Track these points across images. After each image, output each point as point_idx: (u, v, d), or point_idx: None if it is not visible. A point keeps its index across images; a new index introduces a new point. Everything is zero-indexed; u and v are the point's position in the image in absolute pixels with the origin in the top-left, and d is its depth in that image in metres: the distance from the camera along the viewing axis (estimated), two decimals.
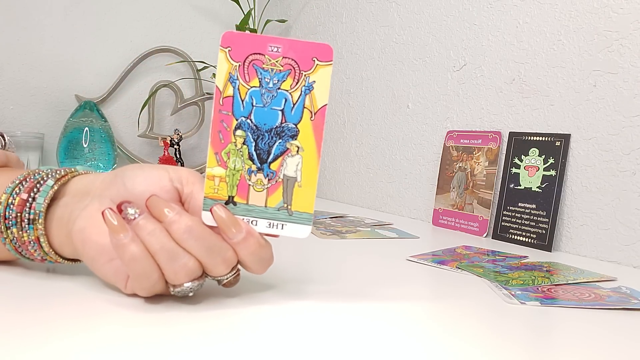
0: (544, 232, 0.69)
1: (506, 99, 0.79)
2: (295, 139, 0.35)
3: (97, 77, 1.32)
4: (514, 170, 0.76)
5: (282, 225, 0.36)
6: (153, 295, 0.35)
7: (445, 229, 0.85)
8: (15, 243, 0.37)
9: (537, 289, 0.47)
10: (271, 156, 0.36)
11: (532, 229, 0.71)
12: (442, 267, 0.54)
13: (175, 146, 1.32)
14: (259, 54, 0.35)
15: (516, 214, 0.74)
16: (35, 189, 0.37)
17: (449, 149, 0.87)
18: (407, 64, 0.98)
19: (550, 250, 0.68)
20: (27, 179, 0.38)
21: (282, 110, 0.35)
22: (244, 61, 0.35)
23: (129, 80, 1.35)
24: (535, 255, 0.64)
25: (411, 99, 0.97)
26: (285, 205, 0.36)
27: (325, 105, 0.35)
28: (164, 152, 1.32)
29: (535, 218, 0.71)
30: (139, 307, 0.34)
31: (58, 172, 0.39)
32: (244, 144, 0.35)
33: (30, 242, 0.37)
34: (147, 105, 1.32)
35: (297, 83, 0.35)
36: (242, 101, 0.35)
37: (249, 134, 0.35)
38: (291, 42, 0.35)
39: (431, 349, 0.31)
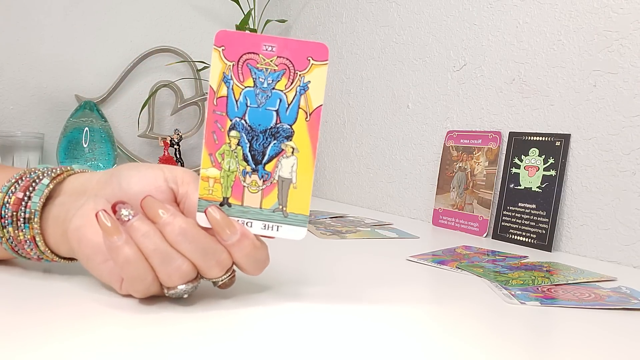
0: (544, 232, 0.69)
1: (506, 99, 0.79)
2: (290, 140, 0.35)
3: (97, 77, 1.32)
4: (514, 170, 0.76)
5: (277, 226, 0.35)
6: (148, 296, 0.35)
7: (445, 229, 0.84)
8: (12, 242, 0.37)
9: (537, 289, 0.47)
10: (266, 157, 0.35)
11: (532, 229, 0.71)
12: (442, 267, 0.54)
13: (175, 146, 1.32)
14: (254, 53, 0.34)
15: (516, 214, 0.74)
16: (31, 188, 0.37)
17: (449, 149, 0.87)
18: (407, 64, 0.98)
19: (550, 250, 0.68)
20: (23, 178, 0.38)
21: (276, 111, 0.35)
22: (238, 60, 0.35)
23: (129, 80, 1.35)
24: (535, 255, 0.64)
25: (411, 99, 0.97)
26: (281, 206, 0.35)
27: (321, 105, 0.35)
28: (164, 152, 1.32)
29: (535, 218, 0.71)
30: (134, 308, 0.34)
31: (54, 170, 0.38)
32: (238, 145, 0.35)
33: (26, 241, 0.37)
34: (147, 105, 1.32)
35: (292, 83, 0.35)
36: (236, 101, 0.35)
37: (244, 134, 0.35)
38: (286, 41, 0.34)
39: (431, 349, 0.31)
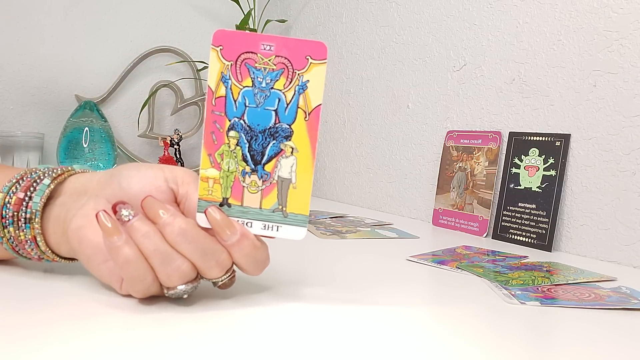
0: (544, 232, 0.69)
1: (506, 99, 0.79)
2: (290, 140, 0.35)
3: (97, 77, 1.32)
4: (514, 170, 0.76)
5: (277, 227, 0.35)
6: (148, 296, 0.35)
7: (445, 229, 0.84)
8: (12, 242, 0.37)
9: (537, 289, 0.47)
10: (265, 157, 0.35)
11: (532, 229, 0.71)
12: (442, 267, 0.54)
13: (175, 146, 1.32)
14: (252, 52, 0.34)
15: (516, 214, 0.74)
16: (31, 188, 0.37)
17: (449, 149, 0.87)
18: (407, 64, 0.98)
19: (550, 250, 0.68)
20: (24, 178, 0.38)
21: (275, 111, 0.35)
22: (236, 60, 0.34)
23: (129, 80, 1.35)
24: (535, 255, 0.64)
25: (411, 99, 0.97)
26: (280, 206, 0.35)
27: (320, 105, 0.35)
28: (164, 152, 1.32)
29: (535, 218, 0.71)
30: (134, 308, 0.34)
31: (55, 170, 0.39)
32: (237, 145, 0.35)
33: (27, 241, 0.37)
34: (147, 105, 1.32)
35: (290, 82, 0.34)
36: (235, 101, 0.35)
37: (243, 135, 0.35)
38: (284, 40, 0.34)
39: (431, 350, 0.31)
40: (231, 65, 0.34)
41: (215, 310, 0.35)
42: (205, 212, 0.34)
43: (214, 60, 0.34)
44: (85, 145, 1.19)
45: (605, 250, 0.64)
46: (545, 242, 0.69)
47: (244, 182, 0.35)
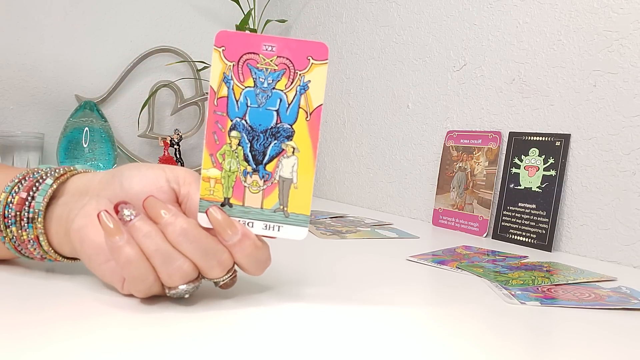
0: (544, 232, 0.69)
1: (506, 99, 0.79)
2: (291, 140, 0.35)
3: (97, 77, 1.32)
4: (514, 170, 0.76)
5: (279, 227, 0.35)
6: (150, 296, 0.35)
7: (445, 229, 0.84)
8: (15, 242, 0.37)
9: (537, 289, 0.47)
10: (267, 157, 0.35)
11: (532, 229, 0.71)
12: (442, 267, 0.54)
13: (175, 146, 1.32)
14: (254, 53, 0.34)
15: (516, 214, 0.74)
16: (34, 188, 0.37)
17: (449, 149, 0.87)
18: (407, 64, 0.98)
19: (550, 250, 0.68)
20: (26, 178, 0.38)
21: (277, 111, 0.35)
22: (238, 61, 0.34)
23: (129, 80, 1.35)
24: (535, 255, 0.64)
25: (411, 99, 0.97)
26: (282, 206, 0.35)
27: (321, 105, 0.35)
28: (164, 152, 1.32)
29: (535, 218, 0.71)
30: (135, 307, 0.34)
31: (57, 170, 0.39)
32: (239, 145, 0.35)
33: (29, 240, 0.37)
34: (147, 105, 1.32)
35: (292, 83, 0.35)
36: (237, 101, 0.35)
37: (244, 135, 0.35)
38: (286, 40, 0.34)
39: (431, 350, 0.31)
40: (233, 65, 0.35)
41: (217, 310, 0.35)
42: (206, 212, 0.34)
43: (216, 61, 0.35)
44: (85, 145, 1.19)
45: (605, 250, 0.65)
46: (545, 242, 0.69)
47: (245, 182, 0.35)
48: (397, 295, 0.43)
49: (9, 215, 0.36)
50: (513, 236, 0.73)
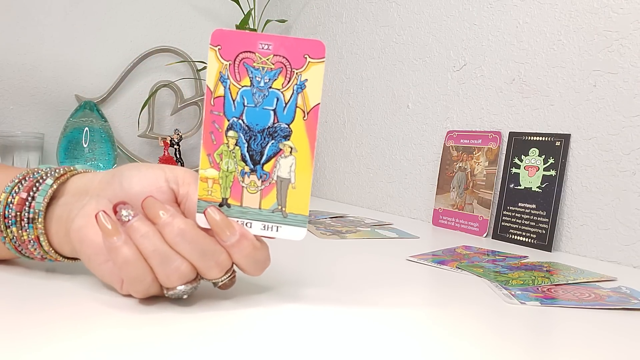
0: (544, 232, 0.69)
1: (506, 99, 0.79)
2: (288, 140, 0.35)
3: (97, 77, 1.32)
4: (514, 170, 0.76)
5: (277, 227, 0.35)
6: (148, 297, 0.35)
7: (445, 229, 0.84)
8: (15, 242, 0.37)
9: (537, 289, 0.47)
10: (264, 157, 0.35)
11: (532, 229, 0.71)
12: (442, 267, 0.54)
13: (175, 146, 1.32)
14: (250, 52, 0.34)
15: (516, 214, 0.74)
16: (34, 188, 0.37)
17: (449, 149, 0.87)
18: (407, 64, 0.98)
19: (550, 250, 0.68)
20: (26, 178, 0.38)
21: (274, 110, 0.34)
22: (235, 60, 0.34)
23: (129, 80, 1.35)
24: (535, 255, 0.64)
25: (411, 99, 0.97)
26: (280, 207, 0.35)
27: (318, 104, 0.34)
28: (164, 152, 1.32)
29: (535, 218, 0.71)
30: (135, 308, 0.34)
31: (57, 170, 0.39)
32: (236, 145, 0.35)
33: (30, 241, 0.37)
34: (147, 105, 1.32)
35: (288, 81, 0.34)
36: (234, 101, 0.34)
37: (241, 134, 0.35)
38: (282, 39, 0.34)
39: (431, 350, 0.31)
40: (229, 64, 0.34)
41: (216, 311, 0.35)
42: (204, 213, 0.34)
43: (212, 60, 0.34)
44: (85, 145, 1.19)
45: (605, 250, 0.65)
46: (545, 242, 0.69)
47: (243, 182, 0.35)
48: (397, 296, 0.42)
49: (9, 216, 0.36)
50: (513, 236, 0.73)
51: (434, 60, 0.92)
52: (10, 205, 0.36)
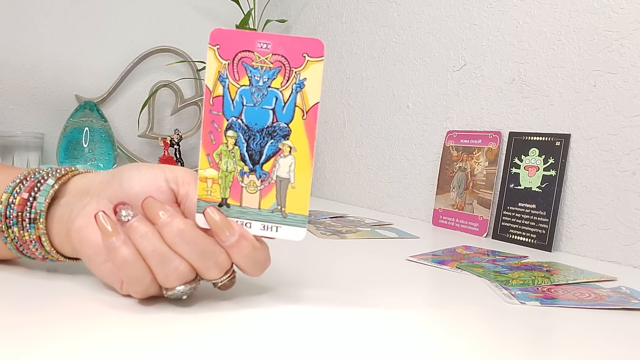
0: (544, 232, 0.69)
1: (506, 99, 0.79)
2: (288, 139, 0.34)
3: (97, 77, 1.32)
4: (514, 170, 0.76)
5: (277, 227, 0.35)
6: (148, 297, 0.35)
7: (445, 229, 0.84)
8: (17, 242, 0.37)
9: (537, 289, 0.47)
10: (263, 157, 0.35)
11: (532, 229, 0.71)
12: (442, 267, 0.54)
13: (175, 146, 1.32)
14: (249, 51, 0.34)
15: (516, 214, 0.74)
16: (35, 188, 0.37)
17: (449, 149, 0.87)
18: (407, 64, 0.98)
19: (550, 250, 0.68)
20: (28, 178, 0.38)
21: (273, 110, 0.34)
22: (233, 59, 0.34)
23: (129, 80, 1.35)
24: (535, 255, 0.64)
25: (411, 99, 0.97)
26: (279, 207, 0.35)
27: (318, 103, 0.34)
28: (164, 152, 1.32)
29: (535, 218, 0.71)
30: (134, 308, 0.34)
31: (58, 171, 0.39)
32: (235, 144, 0.34)
33: (31, 241, 0.37)
34: (147, 105, 1.32)
35: (287, 80, 0.34)
36: (233, 101, 0.34)
37: (240, 134, 0.34)
38: (281, 38, 0.34)
39: (431, 350, 0.31)
40: (228, 64, 0.34)
41: (215, 311, 0.35)
42: (204, 213, 0.34)
43: (211, 60, 0.34)
44: (85, 145, 1.19)
45: (605, 250, 0.65)
46: (545, 242, 0.69)
47: (242, 182, 0.35)
48: (397, 296, 0.43)
49: (11, 216, 0.36)
50: (513, 236, 0.73)
51: (434, 60, 0.92)
52: (12, 205, 0.36)
